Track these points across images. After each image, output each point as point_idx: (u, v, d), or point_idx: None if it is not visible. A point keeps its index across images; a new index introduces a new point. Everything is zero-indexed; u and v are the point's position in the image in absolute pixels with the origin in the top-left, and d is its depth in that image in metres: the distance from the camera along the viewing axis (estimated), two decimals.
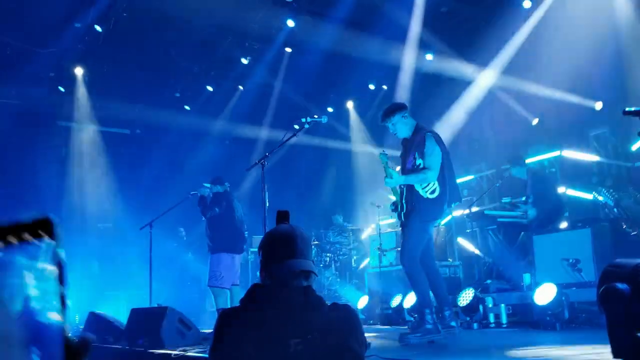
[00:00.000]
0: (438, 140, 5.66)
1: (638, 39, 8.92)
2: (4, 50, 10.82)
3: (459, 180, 11.45)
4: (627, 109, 2.74)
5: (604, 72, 9.56)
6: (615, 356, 2.61)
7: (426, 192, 5.53)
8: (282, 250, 2.31)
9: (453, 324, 5.60)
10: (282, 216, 2.53)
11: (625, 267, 2.70)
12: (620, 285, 2.61)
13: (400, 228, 5.93)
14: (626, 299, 2.58)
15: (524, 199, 8.78)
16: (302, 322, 2.15)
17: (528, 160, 9.45)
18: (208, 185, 8.15)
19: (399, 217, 5.81)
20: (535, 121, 11.34)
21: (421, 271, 5.58)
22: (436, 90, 12.55)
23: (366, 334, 2.35)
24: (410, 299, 7.92)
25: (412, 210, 5.60)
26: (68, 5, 10.01)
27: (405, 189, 5.66)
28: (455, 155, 12.44)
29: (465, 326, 7.03)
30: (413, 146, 5.67)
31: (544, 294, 6.18)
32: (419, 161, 5.59)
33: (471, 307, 7.03)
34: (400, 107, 5.84)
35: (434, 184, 5.52)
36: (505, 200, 8.97)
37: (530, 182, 8.57)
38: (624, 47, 9.24)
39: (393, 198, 5.92)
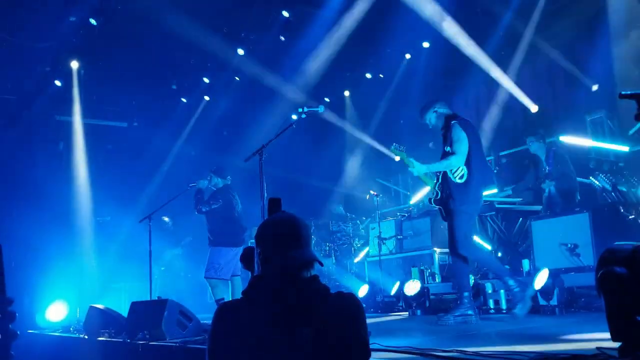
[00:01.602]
0: (465, 126, 5.87)
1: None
2: (0, 45, 10.78)
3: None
4: (622, 92, 2.73)
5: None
6: (614, 340, 2.63)
7: (455, 177, 5.77)
8: (287, 240, 2.25)
9: (470, 312, 5.85)
10: (275, 204, 2.49)
11: (622, 251, 2.71)
12: (619, 269, 2.62)
13: (443, 216, 6.09)
14: (624, 283, 2.58)
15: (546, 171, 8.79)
16: (311, 313, 2.13)
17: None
18: (209, 172, 8.15)
19: (431, 202, 6.10)
20: (535, 109, 11.34)
21: (477, 253, 6.01)
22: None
23: (366, 321, 2.35)
24: (412, 287, 7.94)
25: (447, 197, 5.86)
26: None
27: (440, 176, 5.94)
28: None
29: None
30: (447, 136, 5.94)
31: (540, 280, 6.22)
32: (447, 148, 5.87)
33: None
34: (432, 104, 6.10)
35: (462, 169, 5.75)
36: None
37: (553, 162, 8.66)
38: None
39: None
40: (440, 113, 6.04)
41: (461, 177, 5.76)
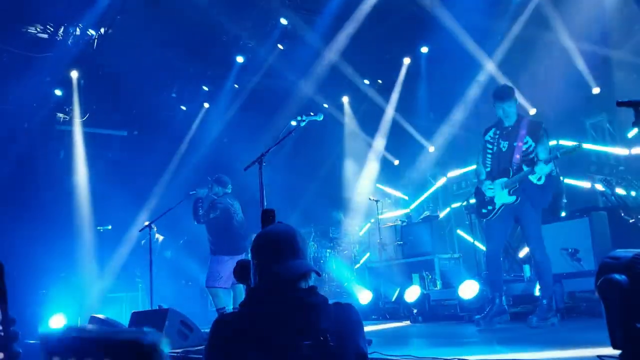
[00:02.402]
0: None
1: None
2: (0, 56, 10.80)
3: (457, 172, 11.56)
4: (620, 100, 2.74)
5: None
6: (614, 347, 2.62)
7: (534, 178, 5.77)
8: (283, 252, 2.25)
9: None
10: (269, 215, 2.48)
11: (623, 258, 2.70)
12: (619, 277, 2.61)
13: (488, 216, 6.13)
14: (624, 290, 2.58)
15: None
16: (311, 324, 2.11)
17: None
18: (210, 180, 8.15)
19: (494, 210, 6.04)
20: (532, 111, 11.33)
21: (545, 261, 5.87)
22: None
23: (368, 329, 2.34)
24: (412, 293, 7.95)
25: (525, 199, 5.85)
26: (62, 10, 9.99)
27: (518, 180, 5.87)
28: (454, 147, 12.53)
29: (466, 319, 7.05)
30: (520, 132, 5.88)
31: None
32: (534, 146, 5.80)
33: (476, 300, 7.03)
34: (512, 92, 6.06)
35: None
36: None
37: None
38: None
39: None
40: (515, 106, 6.03)
41: (539, 180, 5.79)
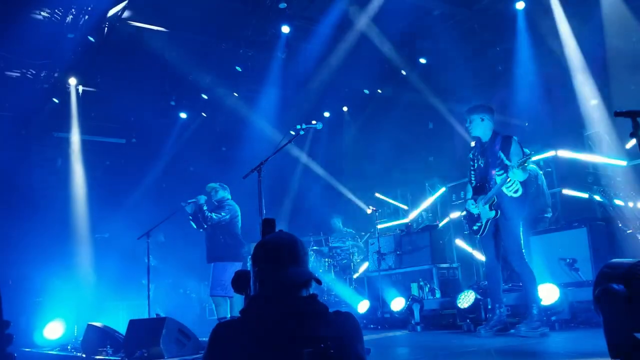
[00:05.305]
0: (520, 143, 6.09)
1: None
2: None
3: (455, 183, 11.54)
4: (617, 110, 2.76)
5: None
6: (612, 357, 2.62)
7: (510, 191, 5.91)
8: (284, 259, 2.26)
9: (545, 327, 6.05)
10: (269, 224, 2.49)
11: (620, 267, 2.71)
12: (616, 286, 2.62)
13: (479, 232, 6.29)
14: (622, 299, 2.58)
15: None
16: (312, 331, 2.12)
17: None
18: (215, 185, 8.13)
19: (483, 227, 6.20)
20: (525, 124, 11.35)
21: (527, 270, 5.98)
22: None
23: (366, 338, 2.34)
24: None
25: (502, 212, 6.01)
26: (60, 16, 10.00)
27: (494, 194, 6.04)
28: (452, 159, 12.53)
29: (464, 328, 7.04)
30: (494, 148, 6.08)
31: (545, 295, 6.21)
32: (507, 161, 5.92)
33: (473, 309, 7.04)
34: (482, 109, 6.24)
35: (516, 184, 5.89)
36: None
37: None
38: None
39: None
40: (484, 123, 6.19)
41: (516, 192, 5.91)
